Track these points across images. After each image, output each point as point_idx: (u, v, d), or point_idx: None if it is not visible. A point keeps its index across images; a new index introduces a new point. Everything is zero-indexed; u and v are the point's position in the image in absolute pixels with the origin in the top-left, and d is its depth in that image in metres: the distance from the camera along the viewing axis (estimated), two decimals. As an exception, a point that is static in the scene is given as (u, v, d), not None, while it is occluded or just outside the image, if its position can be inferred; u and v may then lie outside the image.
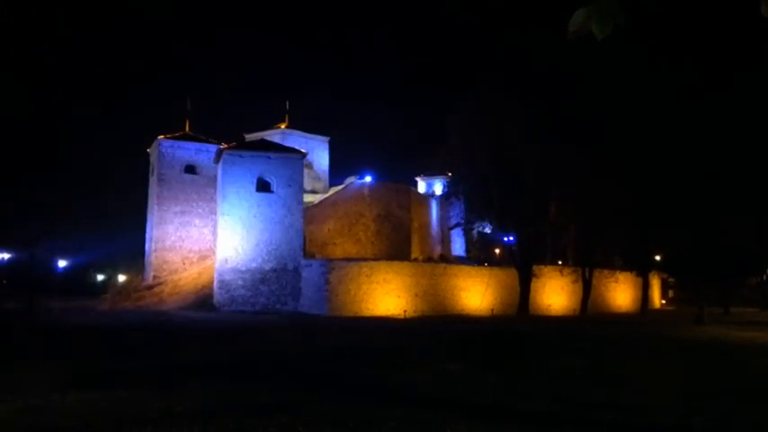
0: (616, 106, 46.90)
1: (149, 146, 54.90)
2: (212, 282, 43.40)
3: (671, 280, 74.15)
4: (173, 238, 51.39)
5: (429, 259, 53.48)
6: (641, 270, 55.58)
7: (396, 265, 43.70)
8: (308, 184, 52.64)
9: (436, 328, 32.00)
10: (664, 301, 73.85)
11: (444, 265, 48.35)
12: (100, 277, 70.81)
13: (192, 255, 51.62)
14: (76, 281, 65.95)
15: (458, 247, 60.55)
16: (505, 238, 47.80)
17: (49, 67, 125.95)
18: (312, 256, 45.63)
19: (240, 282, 41.27)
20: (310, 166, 58.12)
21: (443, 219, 60.25)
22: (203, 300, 42.91)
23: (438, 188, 63.58)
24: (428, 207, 60.92)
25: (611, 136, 46.84)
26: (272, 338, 25.16)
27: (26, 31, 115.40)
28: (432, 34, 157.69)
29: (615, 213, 45.58)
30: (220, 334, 26.81)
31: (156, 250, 50.99)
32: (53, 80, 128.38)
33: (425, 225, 59.83)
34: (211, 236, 49.40)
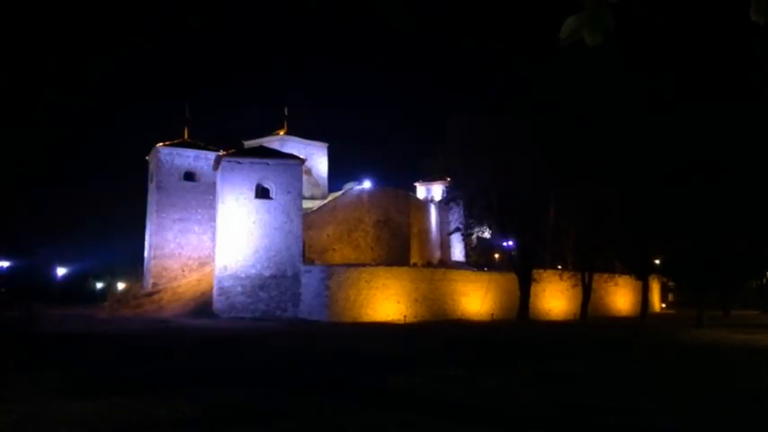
0: (615, 111, 46.83)
1: (148, 153, 54.94)
2: (212, 289, 43.36)
3: (671, 283, 74.10)
4: (172, 245, 51.34)
5: (428, 264, 53.48)
6: (641, 274, 55.49)
7: (395, 270, 43.65)
8: (306, 190, 52.64)
9: (436, 333, 31.98)
10: (663, 305, 73.80)
11: (444, 270, 48.30)
12: (99, 285, 70.59)
13: (191, 262, 51.58)
14: (75, 288, 65.67)
15: (457, 252, 60.59)
16: (505, 243, 47.78)
17: (47, 74, 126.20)
18: (311, 262, 45.60)
19: (239, 288, 41.22)
20: (309, 172, 58.16)
21: (442, 224, 60.32)
22: (203, 307, 42.85)
23: (437, 193, 63.63)
24: (427, 212, 60.98)
25: (611, 141, 46.86)
26: (272, 345, 25.13)
27: (26, 38, 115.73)
28: (431, 41, 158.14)
29: (615, 218, 45.53)
30: (220, 341, 26.77)
31: (155, 257, 50.94)
32: (52, 87, 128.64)
33: (425, 230, 59.87)
34: (211, 243, 49.37)
